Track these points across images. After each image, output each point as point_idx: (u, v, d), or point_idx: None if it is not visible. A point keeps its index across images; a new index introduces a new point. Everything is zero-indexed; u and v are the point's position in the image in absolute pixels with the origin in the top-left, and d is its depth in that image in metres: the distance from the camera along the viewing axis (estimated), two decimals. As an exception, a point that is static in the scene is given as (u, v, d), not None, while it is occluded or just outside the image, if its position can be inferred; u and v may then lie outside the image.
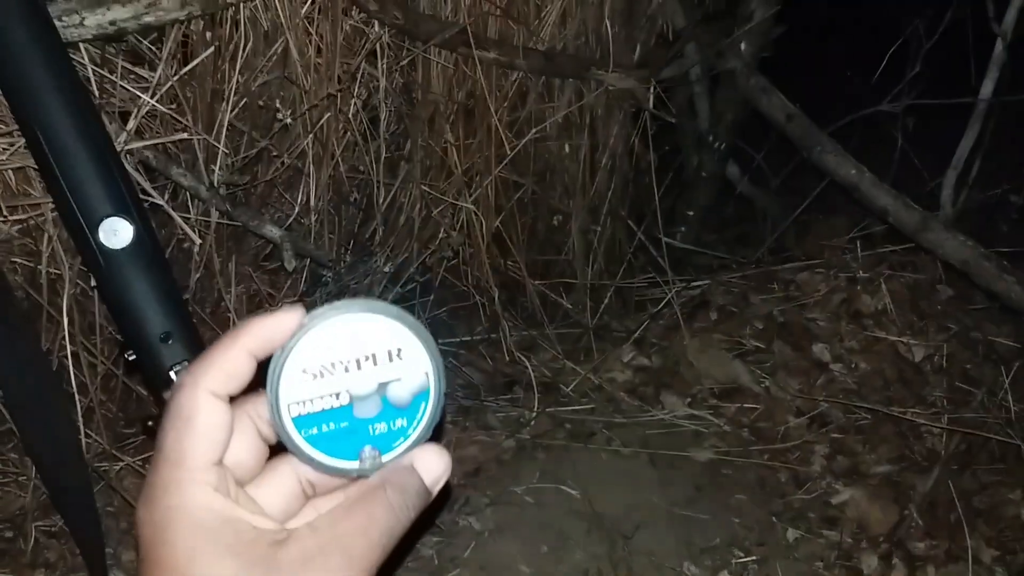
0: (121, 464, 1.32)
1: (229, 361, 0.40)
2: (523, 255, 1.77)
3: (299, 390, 0.40)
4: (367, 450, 0.41)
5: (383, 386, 0.41)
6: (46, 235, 1.17)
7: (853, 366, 1.65)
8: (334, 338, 0.40)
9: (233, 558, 0.37)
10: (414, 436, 0.42)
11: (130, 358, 0.89)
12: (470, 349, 1.74)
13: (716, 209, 2.26)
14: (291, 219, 1.43)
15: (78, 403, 1.25)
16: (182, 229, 1.26)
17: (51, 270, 1.20)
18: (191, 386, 0.39)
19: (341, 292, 1.54)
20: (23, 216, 1.17)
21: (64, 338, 1.19)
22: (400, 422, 0.42)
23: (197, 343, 0.91)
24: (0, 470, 1.30)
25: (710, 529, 1.37)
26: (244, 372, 0.40)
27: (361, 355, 0.40)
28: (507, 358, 1.71)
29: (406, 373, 0.41)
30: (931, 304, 1.74)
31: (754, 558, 1.32)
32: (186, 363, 0.89)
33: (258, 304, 1.44)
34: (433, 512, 1.33)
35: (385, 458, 0.42)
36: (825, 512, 1.41)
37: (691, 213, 2.17)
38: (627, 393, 1.67)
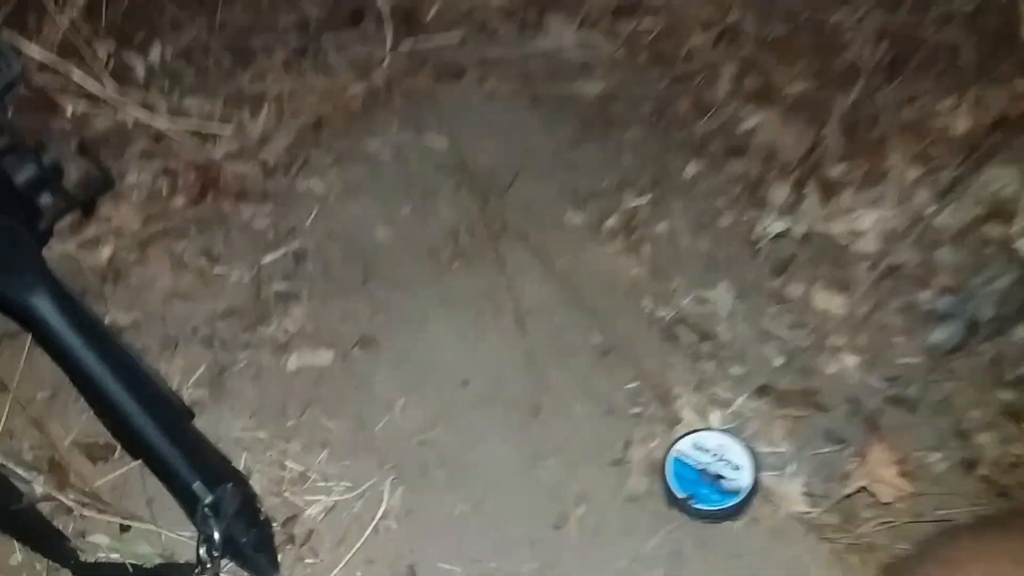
0: None
1: None
2: None
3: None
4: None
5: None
6: None
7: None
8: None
9: None
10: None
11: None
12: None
13: None
14: None
15: None
16: None
17: None
18: None
19: None
20: None
21: None
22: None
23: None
24: None
25: (597, 172, 1.18)
26: None
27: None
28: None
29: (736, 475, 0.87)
30: None
31: (648, 198, 1.14)
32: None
33: None
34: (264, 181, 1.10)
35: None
36: (731, 141, 1.21)
37: None
38: (504, 18, 1.37)
